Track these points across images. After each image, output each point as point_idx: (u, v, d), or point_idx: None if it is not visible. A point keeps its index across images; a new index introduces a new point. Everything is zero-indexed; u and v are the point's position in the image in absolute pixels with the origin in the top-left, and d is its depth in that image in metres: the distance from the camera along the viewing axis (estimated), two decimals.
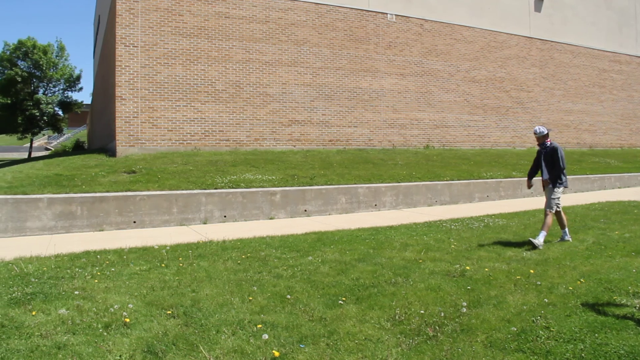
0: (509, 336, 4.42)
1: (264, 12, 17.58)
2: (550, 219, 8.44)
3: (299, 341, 4.34)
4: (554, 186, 8.56)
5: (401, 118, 20.06)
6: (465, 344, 4.29)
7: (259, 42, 17.46)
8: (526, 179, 9.68)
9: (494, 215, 12.08)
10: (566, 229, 8.70)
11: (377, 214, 13.13)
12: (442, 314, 4.93)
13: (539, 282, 5.99)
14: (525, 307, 5.15)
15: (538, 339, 4.34)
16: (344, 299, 5.47)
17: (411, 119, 20.41)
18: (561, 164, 8.51)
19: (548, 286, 5.86)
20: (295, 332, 4.55)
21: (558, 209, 8.57)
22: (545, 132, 8.68)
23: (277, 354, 4.08)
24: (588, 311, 5.00)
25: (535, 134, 8.75)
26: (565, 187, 8.70)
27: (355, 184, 13.70)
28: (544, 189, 8.84)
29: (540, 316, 4.86)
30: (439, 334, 4.47)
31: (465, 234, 9.47)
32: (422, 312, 5.01)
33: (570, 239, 8.67)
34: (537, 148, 9.07)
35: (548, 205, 8.57)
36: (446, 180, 15.28)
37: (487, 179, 16.21)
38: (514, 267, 6.79)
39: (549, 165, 8.69)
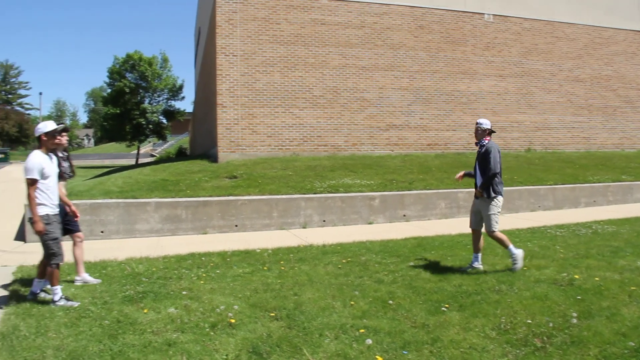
0: (626, 352, 4.15)
1: (359, 17, 17.65)
2: (482, 240, 7.22)
3: (402, 347, 4.32)
4: (489, 196, 7.01)
5: (501, 120, 19.45)
6: (577, 357, 4.09)
7: (355, 47, 17.55)
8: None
9: (602, 221, 11.47)
10: (479, 254, 7.24)
11: None
12: (551, 325, 4.74)
13: None
14: None
15: None
16: (446, 305, 5.39)
17: (511, 121, 19.78)
18: (492, 166, 6.96)
19: None
20: (398, 338, 4.52)
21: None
22: (488, 127, 7.16)
23: (380, 359, 4.08)
24: None
25: (477, 125, 7.21)
26: (501, 196, 7.15)
27: (455, 188, 13.44)
28: (475, 199, 7.37)
29: None
30: (547, 346, 4.30)
31: (572, 241, 9.07)
32: (528, 321, 4.84)
33: (480, 266, 7.14)
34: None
35: (488, 226, 7.06)
36: (549, 185, 14.67)
37: (594, 182, 15.41)
38: (628, 277, 6.40)
39: (482, 169, 7.16)
